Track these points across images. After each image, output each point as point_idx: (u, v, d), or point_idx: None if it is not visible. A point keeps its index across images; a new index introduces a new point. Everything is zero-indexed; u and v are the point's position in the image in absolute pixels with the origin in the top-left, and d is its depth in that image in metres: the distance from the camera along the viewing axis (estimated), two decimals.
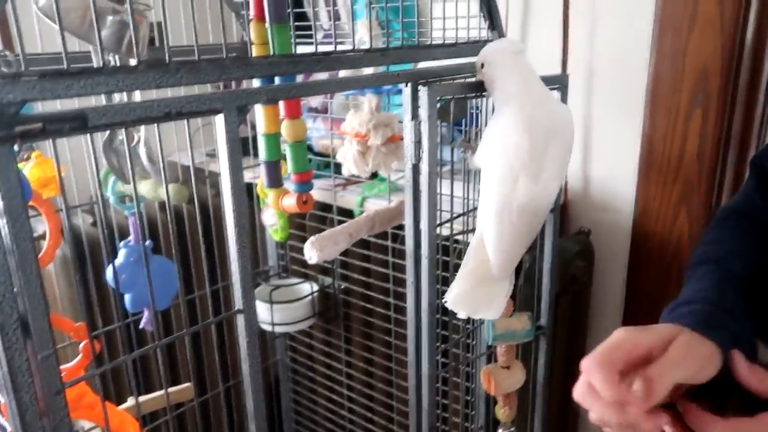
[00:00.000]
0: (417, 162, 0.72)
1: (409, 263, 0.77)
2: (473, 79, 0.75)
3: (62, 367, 0.46)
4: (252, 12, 0.71)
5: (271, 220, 1.04)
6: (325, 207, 1.25)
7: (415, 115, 0.70)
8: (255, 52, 0.71)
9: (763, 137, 1.12)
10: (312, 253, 0.81)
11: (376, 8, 0.92)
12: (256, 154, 0.94)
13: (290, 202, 0.78)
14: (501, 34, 0.83)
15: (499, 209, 0.68)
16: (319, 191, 1.22)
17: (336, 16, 1.14)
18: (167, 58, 0.49)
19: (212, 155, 1.41)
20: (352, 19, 0.77)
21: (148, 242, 0.77)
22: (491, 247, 0.70)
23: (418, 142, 0.71)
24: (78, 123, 0.42)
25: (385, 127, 0.93)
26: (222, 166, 0.53)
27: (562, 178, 0.73)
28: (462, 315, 0.72)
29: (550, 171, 0.69)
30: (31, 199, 0.57)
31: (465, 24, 0.82)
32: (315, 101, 1.32)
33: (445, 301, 0.72)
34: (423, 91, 0.68)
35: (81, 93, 0.42)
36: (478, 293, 0.72)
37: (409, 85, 0.69)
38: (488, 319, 0.83)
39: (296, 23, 0.71)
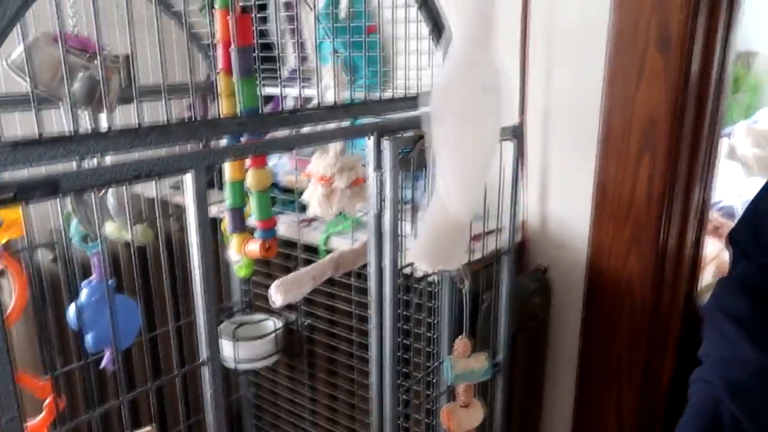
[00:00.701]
0: (380, 211, 0.74)
1: (373, 306, 0.79)
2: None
3: (26, 425, 0.46)
4: (220, 64, 0.73)
5: (235, 256, 1.05)
6: (290, 244, 1.27)
7: (378, 166, 0.73)
8: (223, 102, 0.73)
9: (706, 181, 1.19)
10: (277, 296, 0.82)
11: (341, 55, 0.95)
12: (221, 187, 0.96)
13: (254, 248, 0.80)
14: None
15: (453, 155, 0.69)
16: (284, 227, 1.24)
17: (303, 58, 1.17)
18: (136, 118, 0.50)
19: (176, 187, 1.41)
20: (318, 61, 0.79)
21: (111, 281, 0.78)
22: (453, 191, 0.70)
23: (381, 192, 0.74)
24: (50, 188, 0.43)
25: (350, 171, 0.96)
26: (190, 222, 0.54)
27: (499, 128, 0.73)
28: (423, 268, 0.73)
29: (490, 120, 0.71)
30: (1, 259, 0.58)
31: (427, 74, 0.85)
32: None
33: (410, 263, 0.72)
34: (386, 144, 0.71)
35: (53, 160, 0.44)
36: (438, 246, 0.72)
37: (373, 137, 0.72)
38: (447, 360, 0.86)
39: (263, 66, 0.73)
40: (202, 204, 0.54)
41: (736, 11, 1.07)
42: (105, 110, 0.62)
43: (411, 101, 0.80)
